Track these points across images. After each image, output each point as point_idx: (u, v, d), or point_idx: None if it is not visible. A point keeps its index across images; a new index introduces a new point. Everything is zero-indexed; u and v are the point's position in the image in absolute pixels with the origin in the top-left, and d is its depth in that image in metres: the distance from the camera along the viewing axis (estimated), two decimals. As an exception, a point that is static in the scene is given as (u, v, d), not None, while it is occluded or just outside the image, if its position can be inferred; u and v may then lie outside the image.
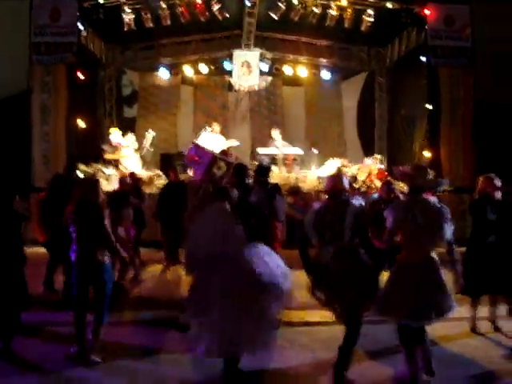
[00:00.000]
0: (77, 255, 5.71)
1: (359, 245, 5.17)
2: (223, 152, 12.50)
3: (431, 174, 6.40)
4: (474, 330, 6.71)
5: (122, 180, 9.55)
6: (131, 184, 9.40)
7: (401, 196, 7.70)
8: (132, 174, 10.42)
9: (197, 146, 11.50)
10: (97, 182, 6.12)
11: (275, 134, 14.62)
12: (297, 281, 8.51)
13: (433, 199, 5.29)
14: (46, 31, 12.68)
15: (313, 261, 5.26)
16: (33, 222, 7.98)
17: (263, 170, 7.60)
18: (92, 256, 5.65)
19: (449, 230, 5.04)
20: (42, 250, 8.39)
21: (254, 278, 4.88)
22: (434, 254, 5.08)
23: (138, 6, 13.88)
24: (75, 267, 5.74)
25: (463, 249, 10.51)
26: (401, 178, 9.52)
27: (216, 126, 14.57)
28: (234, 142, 14.78)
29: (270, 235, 6.49)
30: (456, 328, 6.66)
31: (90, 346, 5.71)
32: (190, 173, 12.21)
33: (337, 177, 5.69)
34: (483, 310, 6.83)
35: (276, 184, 7.56)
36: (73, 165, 9.05)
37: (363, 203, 5.29)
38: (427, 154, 13.64)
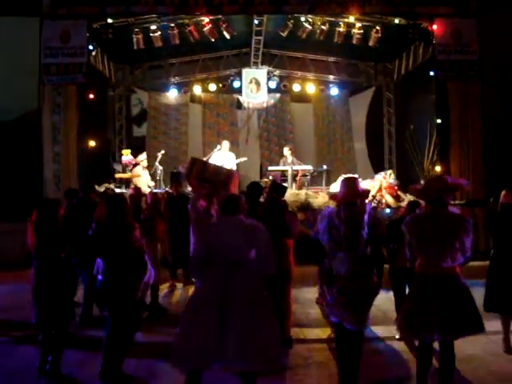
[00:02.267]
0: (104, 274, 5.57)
1: (372, 256, 5.10)
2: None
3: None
4: (508, 350, 6.34)
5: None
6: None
7: None
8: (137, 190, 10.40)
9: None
10: (124, 199, 5.91)
11: (286, 151, 14.68)
12: (310, 298, 8.55)
13: (452, 210, 5.15)
14: (56, 52, 12.75)
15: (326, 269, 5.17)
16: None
17: (281, 189, 7.42)
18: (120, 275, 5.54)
19: (467, 242, 4.85)
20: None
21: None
22: (452, 269, 4.87)
23: (146, 26, 14.03)
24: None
25: (474, 263, 10.51)
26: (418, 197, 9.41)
27: (225, 144, 14.65)
28: (242, 159, 14.91)
29: (282, 253, 6.41)
30: (483, 345, 6.38)
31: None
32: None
33: (352, 180, 5.55)
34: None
35: (284, 201, 7.45)
36: (91, 184, 8.77)
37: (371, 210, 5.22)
38: (437, 167, 13.61)
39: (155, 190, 13.16)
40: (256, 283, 4.73)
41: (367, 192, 5.68)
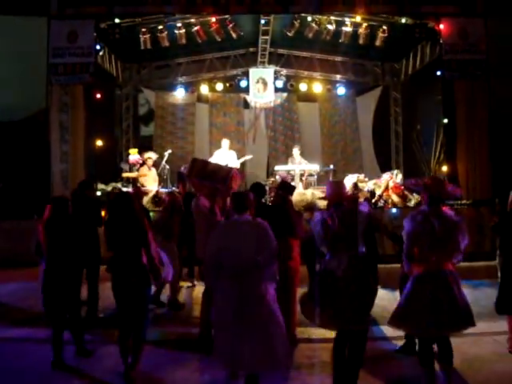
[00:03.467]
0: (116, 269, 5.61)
1: (368, 254, 5.10)
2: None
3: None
4: None
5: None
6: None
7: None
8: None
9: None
10: (130, 196, 5.95)
11: (295, 150, 14.74)
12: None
13: (450, 212, 5.21)
14: (63, 52, 12.79)
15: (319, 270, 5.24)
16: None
17: (289, 188, 7.46)
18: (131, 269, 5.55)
19: (463, 243, 4.98)
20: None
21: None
22: (451, 267, 4.99)
23: (153, 26, 14.07)
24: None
25: (480, 263, 10.46)
26: (415, 191, 9.37)
27: (224, 142, 14.72)
28: (248, 157, 14.98)
29: (288, 252, 6.44)
30: (488, 346, 6.43)
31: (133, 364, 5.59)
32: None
33: (338, 183, 5.76)
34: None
35: (290, 200, 7.46)
36: (88, 182, 8.90)
37: (371, 209, 5.24)
38: (444, 167, 13.59)
39: (161, 190, 13.23)
40: (265, 287, 4.85)
41: (354, 197, 5.74)
